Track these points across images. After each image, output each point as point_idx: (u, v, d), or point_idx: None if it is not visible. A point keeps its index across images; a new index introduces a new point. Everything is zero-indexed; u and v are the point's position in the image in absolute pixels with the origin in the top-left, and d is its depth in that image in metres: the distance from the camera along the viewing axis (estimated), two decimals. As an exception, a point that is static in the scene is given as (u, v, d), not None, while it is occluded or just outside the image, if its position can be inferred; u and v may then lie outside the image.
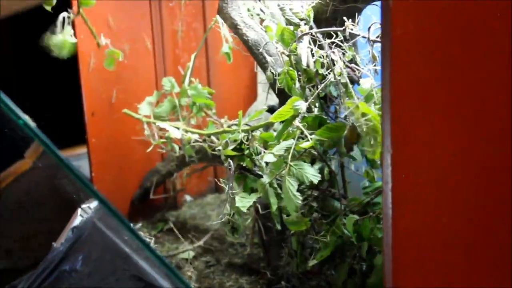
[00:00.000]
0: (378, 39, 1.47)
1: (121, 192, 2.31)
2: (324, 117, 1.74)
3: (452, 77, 1.13)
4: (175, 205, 2.44)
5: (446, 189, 1.18)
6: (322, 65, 1.64)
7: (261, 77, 2.38)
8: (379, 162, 1.70)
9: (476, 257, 1.22)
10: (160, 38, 2.32)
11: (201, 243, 2.18)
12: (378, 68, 1.55)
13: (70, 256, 1.87)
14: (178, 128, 2.00)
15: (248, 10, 1.87)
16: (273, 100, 2.09)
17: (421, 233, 1.20)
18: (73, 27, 2.10)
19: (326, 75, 1.63)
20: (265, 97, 2.13)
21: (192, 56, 2.10)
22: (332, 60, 1.61)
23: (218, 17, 1.97)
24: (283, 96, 1.85)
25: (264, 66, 1.85)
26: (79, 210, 1.93)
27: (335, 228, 1.72)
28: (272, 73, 1.81)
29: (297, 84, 1.70)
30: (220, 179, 1.82)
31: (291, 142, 1.68)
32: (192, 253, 2.13)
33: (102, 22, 2.19)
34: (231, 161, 1.72)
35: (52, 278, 1.86)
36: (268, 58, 1.78)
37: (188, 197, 2.47)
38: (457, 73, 1.13)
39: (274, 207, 1.72)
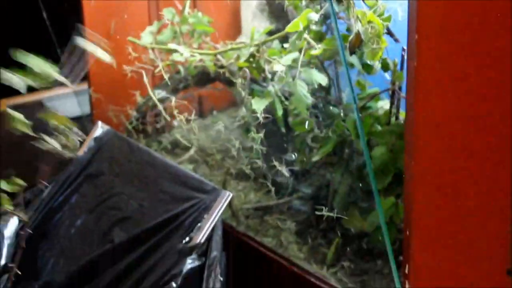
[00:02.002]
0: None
1: (117, 118, 2.52)
2: (323, 32, 2.02)
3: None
4: (164, 130, 2.67)
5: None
6: (326, -16, 1.90)
7: (245, 13, 2.63)
8: (376, 67, 1.96)
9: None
10: (154, -26, 2.54)
11: (191, 152, 2.42)
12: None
13: (94, 162, 2.07)
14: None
15: None
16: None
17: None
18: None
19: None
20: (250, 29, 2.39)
21: (189, -13, 2.33)
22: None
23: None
24: (282, 18, 2.12)
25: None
26: (99, 123, 2.14)
27: (335, 127, 1.99)
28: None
29: (303, 3, 1.96)
30: (233, 89, 2.06)
31: (296, 54, 1.95)
32: (190, 166, 2.37)
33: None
34: (246, 70, 1.97)
35: (78, 181, 2.05)
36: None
37: (175, 122, 2.70)
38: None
39: (279, 112, 1.99)
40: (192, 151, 2.44)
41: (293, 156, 2.06)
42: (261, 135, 1.92)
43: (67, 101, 3.38)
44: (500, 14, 1.39)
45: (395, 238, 1.81)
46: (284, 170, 2.00)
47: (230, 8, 2.69)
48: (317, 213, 1.93)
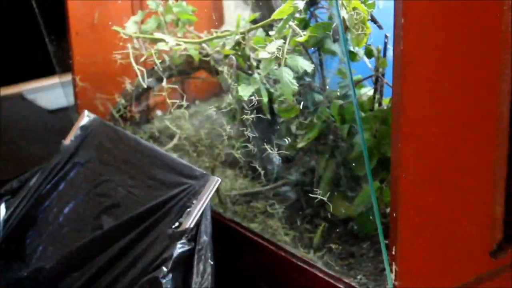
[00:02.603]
0: None
1: (103, 105, 2.54)
2: (307, 20, 2.05)
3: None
4: (147, 119, 2.69)
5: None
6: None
7: (226, 2, 2.66)
8: (359, 54, 1.99)
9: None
10: (137, -37, 2.56)
11: (175, 141, 2.44)
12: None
13: (81, 150, 2.09)
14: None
15: None
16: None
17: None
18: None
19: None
20: (233, 18, 2.41)
21: (172, -22, 2.35)
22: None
23: None
24: (266, 7, 2.14)
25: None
26: (86, 112, 2.15)
27: (320, 113, 2.02)
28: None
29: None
30: (217, 78, 2.09)
31: (281, 41, 1.97)
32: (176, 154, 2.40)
33: None
34: (232, 57, 1.99)
35: (65, 169, 2.07)
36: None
37: (158, 112, 2.72)
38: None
39: (265, 99, 2.01)
40: (175, 140, 2.46)
41: (279, 142, 2.08)
42: (251, 118, 1.94)
43: (50, 92, 3.39)
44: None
45: (380, 222, 1.84)
46: (275, 156, 2.03)
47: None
48: (303, 198, 1.96)
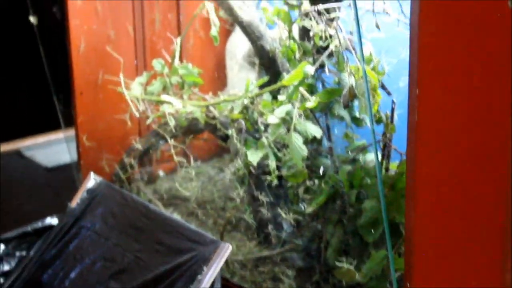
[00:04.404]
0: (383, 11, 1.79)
1: (107, 166, 2.53)
2: (315, 85, 2.06)
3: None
4: (150, 180, 2.68)
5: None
6: (320, 38, 1.94)
7: (229, 63, 2.67)
8: (367, 120, 2.00)
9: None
10: (141, 26, 2.57)
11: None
12: (377, 36, 1.86)
13: (88, 213, 2.07)
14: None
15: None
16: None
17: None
18: (67, 14, 2.35)
19: (325, 47, 1.93)
20: (237, 80, 2.44)
21: (178, 40, 2.36)
22: (330, 35, 1.92)
23: (206, 2, 2.24)
24: (273, 70, 2.16)
25: (256, 43, 2.15)
26: (92, 174, 2.14)
27: (328, 179, 2.02)
28: (263, 48, 2.11)
29: (297, 56, 2.00)
30: (224, 143, 2.09)
31: (289, 106, 1.98)
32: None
33: (91, 9, 2.43)
34: (241, 121, 2.00)
35: (71, 232, 2.04)
36: (267, 36, 2.08)
37: (161, 172, 2.71)
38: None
39: (273, 164, 2.01)
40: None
41: (286, 207, 2.08)
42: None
43: (49, 149, 3.38)
44: (501, 65, 1.43)
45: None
46: (284, 221, 2.03)
47: (215, 57, 2.73)
48: (311, 263, 1.95)
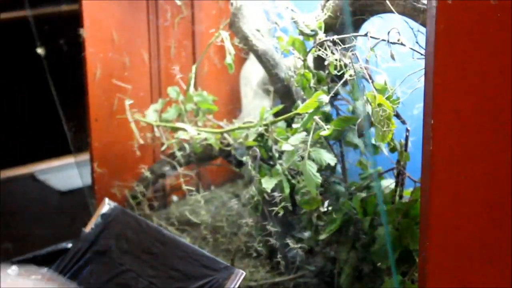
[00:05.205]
0: (397, 42, 1.80)
1: (120, 191, 2.55)
2: (329, 113, 2.07)
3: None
4: (164, 205, 2.70)
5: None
6: (335, 67, 1.96)
7: (244, 89, 2.69)
8: (382, 148, 2.01)
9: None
10: (156, 53, 2.59)
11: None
12: (391, 65, 1.88)
13: (102, 238, 2.09)
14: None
15: (258, 30, 2.19)
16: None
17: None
18: (83, 41, 2.38)
19: (340, 75, 1.95)
20: (251, 107, 2.46)
21: (193, 67, 2.39)
22: (345, 64, 1.93)
23: (221, 31, 2.27)
24: (287, 98, 2.18)
25: (271, 72, 2.17)
26: (106, 199, 2.16)
27: (341, 206, 2.03)
28: (278, 76, 2.14)
29: (311, 84, 2.01)
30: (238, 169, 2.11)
31: (304, 134, 2.00)
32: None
33: (107, 36, 2.45)
34: (256, 149, 2.02)
35: (85, 257, 2.06)
36: (282, 64, 2.10)
37: (174, 197, 2.73)
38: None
39: (287, 191, 2.03)
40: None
41: (300, 233, 2.09)
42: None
43: (63, 173, 3.40)
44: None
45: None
46: (297, 248, 2.05)
47: (229, 84, 2.75)
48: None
